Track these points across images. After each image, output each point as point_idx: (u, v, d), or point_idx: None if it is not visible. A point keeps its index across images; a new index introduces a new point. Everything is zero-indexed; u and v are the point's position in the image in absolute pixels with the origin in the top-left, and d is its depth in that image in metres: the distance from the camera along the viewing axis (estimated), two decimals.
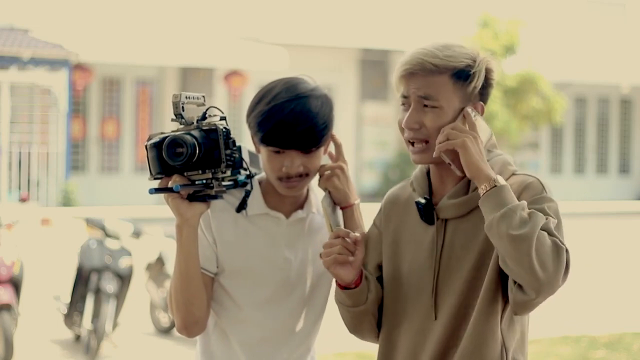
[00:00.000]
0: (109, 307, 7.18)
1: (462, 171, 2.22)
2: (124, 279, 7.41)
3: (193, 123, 2.28)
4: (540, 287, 2.09)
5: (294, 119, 2.34)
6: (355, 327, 2.41)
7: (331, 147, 2.53)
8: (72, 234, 11.16)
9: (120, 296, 7.40)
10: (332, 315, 2.46)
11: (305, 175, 2.42)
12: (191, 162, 2.24)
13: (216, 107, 2.35)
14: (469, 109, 2.26)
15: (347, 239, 2.30)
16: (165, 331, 8.17)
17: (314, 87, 2.41)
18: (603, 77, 23.31)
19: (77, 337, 7.73)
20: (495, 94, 18.32)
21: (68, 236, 12.07)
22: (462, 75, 2.25)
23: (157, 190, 2.27)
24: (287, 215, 2.50)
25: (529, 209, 2.14)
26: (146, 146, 2.28)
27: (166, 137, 2.25)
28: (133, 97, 19.94)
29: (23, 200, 8.06)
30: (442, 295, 2.28)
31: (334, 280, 2.40)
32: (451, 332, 2.26)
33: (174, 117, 2.29)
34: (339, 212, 2.50)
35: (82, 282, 7.39)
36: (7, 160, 17.36)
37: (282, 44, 19.99)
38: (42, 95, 17.80)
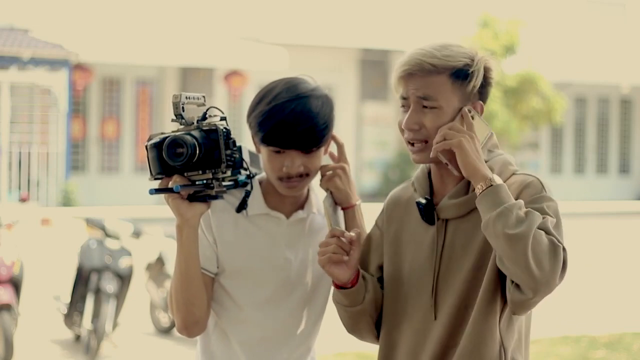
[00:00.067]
0: (109, 307, 7.18)
1: (459, 171, 2.22)
2: (124, 279, 7.41)
3: (193, 123, 2.28)
4: (537, 286, 2.09)
5: (294, 119, 2.34)
6: (353, 327, 2.42)
7: (333, 148, 2.53)
8: (72, 234, 11.17)
9: (120, 296, 7.40)
10: (332, 316, 2.46)
11: (306, 175, 2.42)
12: (191, 163, 2.24)
13: (216, 108, 2.35)
14: (466, 109, 2.26)
15: (343, 239, 2.30)
16: (165, 331, 8.17)
17: (315, 87, 2.41)
18: (603, 77, 23.31)
19: (77, 337, 7.73)
20: (495, 93, 18.35)
21: (68, 236, 12.07)
22: (460, 74, 2.25)
23: (158, 191, 2.26)
24: (288, 216, 2.50)
25: (529, 208, 2.14)
26: (146, 146, 2.27)
27: (166, 137, 2.25)
28: (133, 97, 19.94)
29: (23, 200, 8.06)
30: (442, 295, 2.28)
31: None
32: (451, 332, 2.26)
33: (174, 118, 2.29)
34: (341, 213, 2.50)
35: (82, 282, 7.39)
36: (7, 160, 17.36)
37: (282, 44, 20.00)
38: (42, 95, 17.81)
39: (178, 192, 2.26)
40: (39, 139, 17.58)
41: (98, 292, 7.27)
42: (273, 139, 2.36)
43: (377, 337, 2.43)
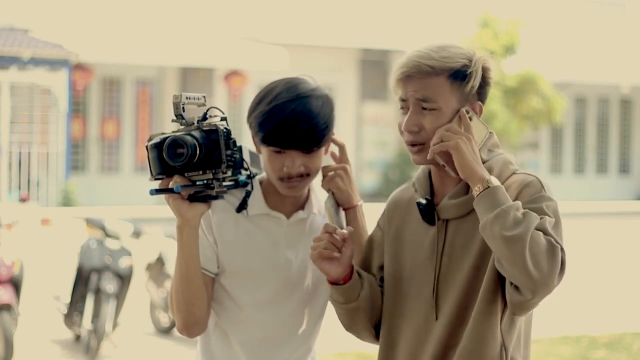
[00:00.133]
0: (109, 307, 7.18)
1: (457, 172, 2.22)
2: (124, 279, 7.41)
3: (194, 124, 2.28)
4: (535, 287, 2.09)
5: (294, 119, 2.34)
6: (349, 324, 2.42)
7: (335, 148, 2.53)
8: (72, 234, 11.16)
9: (120, 296, 7.40)
10: (333, 316, 2.46)
11: (306, 176, 2.42)
12: (192, 163, 2.24)
13: (217, 108, 2.35)
14: (464, 110, 2.26)
15: (335, 235, 2.31)
16: (165, 331, 8.17)
17: (315, 87, 2.41)
18: (603, 77, 23.31)
19: (77, 337, 7.73)
20: (495, 93, 18.36)
21: (68, 236, 12.07)
22: (459, 75, 2.25)
23: (158, 191, 2.27)
24: (288, 216, 2.50)
25: (528, 207, 2.14)
26: (147, 147, 2.27)
27: (167, 137, 2.25)
28: (133, 97, 19.94)
29: (23, 200, 8.06)
30: (443, 295, 2.28)
31: None
32: (451, 332, 2.26)
33: (175, 118, 2.29)
34: (342, 213, 2.50)
35: (82, 282, 7.39)
36: (7, 160, 17.36)
37: (282, 44, 20.00)
38: (42, 95, 17.81)
39: (178, 193, 2.27)
40: (39, 139, 17.58)
41: (98, 292, 7.27)
42: (273, 139, 2.36)
43: (376, 336, 2.44)
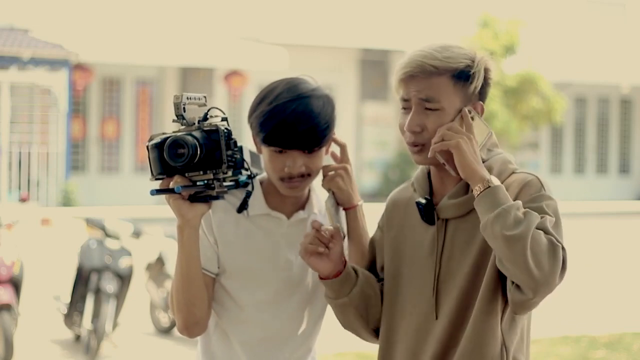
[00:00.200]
0: (109, 307, 7.18)
1: (457, 172, 2.22)
2: (124, 279, 7.41)
3: (194, 124, 2.28)
4: (536, 286, 2.09)
5: (296, 119, 2.34)
6: (342, 321, 2.43)
7: (335, 148, 2.53)
8: (72, 234, 11.17)
9: (120, 296, 7.40)
10: (333, 316, 2.47)
11: (307, 176, 2.42)
12: (192, 163, 2.24)
13: (218, 108, 2.35)
14: (466, 110, 2.26)
15: (322, 232, 2.32)
16: (165, 331, 8.17)
17: (316, 87, 2.42)
18: (603, 77, 23.31)
19: (77, 337, 7.73)
20: (495, 93, 18.37)
21: (68, 236, 12.07)
22: (462, 75, 2.25)
23: (159, 192, 2.27)
24: (289, 216, 2.50)
25: (528, 206, 2.14)
26: (147, 147, 2.27)
27: (167, 137, 2.25)
28: (133, 97, 19.94)
29: (23, 200, 8.06)
30: (443, 295, 2.29)
31: None
32: (452, 332, 2.26)
33: (176, 118, 2.29)
34: (342, 213, 2.50)
35: (82, 282, 7.39)
36: (7, 160, 17.36)
37: (282, 44, 20.00)
38: (42, 95, 17.80)
39: (179, 193, 2.27)
40: (39, 139, 17.58)
41: (98, 292, 7.27)
42: (275, 139, 2.36)
43: (375, 335, 2.44)
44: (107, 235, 7.59)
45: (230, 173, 2.31)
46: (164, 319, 8.18)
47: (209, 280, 2.45)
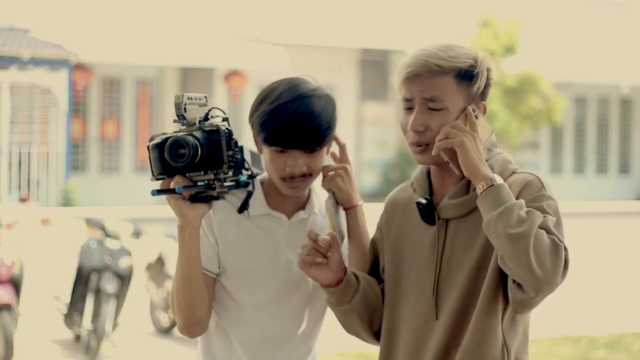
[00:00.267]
0: (109, 307, 7.18)
1: (460, 170, 2.22)
2: (124, 279, 7.41)
3: (195, 124, 2.28)
4: (539, 285, 2.09)
5: (297, 119, 2.34)
6: (346, 326, 2.44)
7: (335, 148, 2.53)
8: (72, 234, 11.17)
9: (120, 296, 7.40)
10: (333, 316, 2.47)
11: (309, 175, 2.42)
12: (193, 163, 2.24)
13: (218, 108, 2.35)
14: (470, 108, 2.26)
15: (319, 242, 2.32)
16: (165, 331, 8.17)
17: (317, 87, 2.42)
18: (603, 77, 23.32)
19: (77, 337, 7.73)
20: (495, 93, 18.37)
21: (68, 236, 12.07)
22: (466, 75, 2.25)
23: (160, 192, 2.27)
24: (289, 216, 2.50)
25: (528, 207, 2.14)
26: (148, 147, 2.27)
27: (168, 138, 2.25)
28: (133, 97, 19.94)
29: (23, 200, 8.06)
30: (444, 295, 2.28)
31: None
32: (452, 332, 2.26)
33: (177, 119, 2.29)
34: (342, 213, 2.50)
35: (82, 282, 7.39)
36: (7, 160, 17.36)
37: (282, 44, 20.00)
38: (42, 95, 17.80)
39: (180, 193, 2.27)
40: (39, 139, 17.58)
41: (98, 292, 7.27)
42: (276, 138, 2.36)
43: (377, 338, 2.44)
44: (107, 235, 7.59)
45: (231, 173, 2.31)
46: (164, 319, 8.18)
47: (209, 280, 2.45)
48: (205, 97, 2.35)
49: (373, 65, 21.97)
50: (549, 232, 2.11)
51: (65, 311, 7.55)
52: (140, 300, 8.60)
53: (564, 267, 2.11)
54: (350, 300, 2.37)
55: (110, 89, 19.82)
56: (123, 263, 7.41)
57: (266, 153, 2.43)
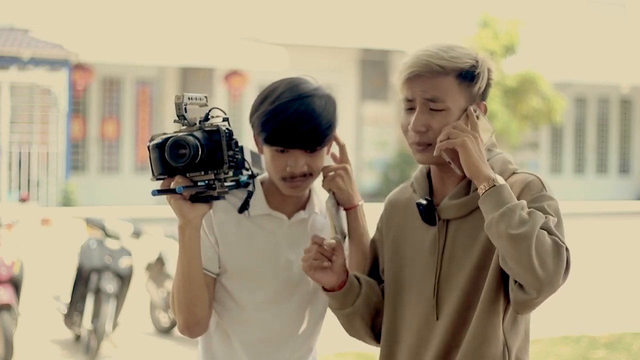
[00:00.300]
0: (109, 307, 7.18)
1: (462, 170, 2.22)
2: (124, 279, 7.41)
3: (196, 124, 2.28)
4: (540, 286, 2.09)
5: (297, 119, 2.34)
6: (348, 328, 2.44)
7: (335, 148, 2.53)
8: (72, 234, 11.16)
9: (120, 296, 7.40)
10: (333, 316, 2.47)
11: (309, 175, 2.42)
12: (194, 163, 2.24)
13: (219, 108, 2.35)
14: (471, 108, 2.26)
15: (324, 246, 2.33)
16: (165, 331, 8.17)
17: (317, 87, 2.42)
18: (603, 77, 23.32)
19: (77, 337, 7.73)
20: (495, 93, 18.37)
21: (68, 236, 12.07)
22: (467, 76, 2.25)
23: (160, 192, 2.27)
24: (290, 216, 2.50)
25: (529, 207, 2.14)
26: (148, 147, 2.27)
27: (169, 138, 2.25)
28: (133, 97, 19.94)
29: (23, 200, 8.06)
30: (444, 296, 2.28)
31: None
32: (453, 332, 2.26)
33: (177, 119, 2.29)
34: (343, 213, 2.50)
35: (82, 282, 7.39)
36: (7, 160, 17.36)
37: (282, 44, 20.00)
38: (42, 95, 17.80)
39: (180, 193, 2.27)
40: (39, 139, 17.58)
41: (98, 292, 7.27)
42: (277, 138, 2.36)
43: (378, 340, 2.44)
44: (107, 235, 7.59)
45: (231, 173, 2.31)
46: (164, 319, 8.18)
47: (209, 280, 2.45)
48: (206, 97, 2.34)
49: (373, 65, 21.97)
50: (550, 232, 2.11)
51: (65, 311, 7.55)
52: (140, 300, 8.60)
53: (566, 267, 2.11)
54: (352, 303, 2.37)
55: (110, 89, 19.81)
56: (123, 263, 7.41)
57: (267, 153, 2.43)
